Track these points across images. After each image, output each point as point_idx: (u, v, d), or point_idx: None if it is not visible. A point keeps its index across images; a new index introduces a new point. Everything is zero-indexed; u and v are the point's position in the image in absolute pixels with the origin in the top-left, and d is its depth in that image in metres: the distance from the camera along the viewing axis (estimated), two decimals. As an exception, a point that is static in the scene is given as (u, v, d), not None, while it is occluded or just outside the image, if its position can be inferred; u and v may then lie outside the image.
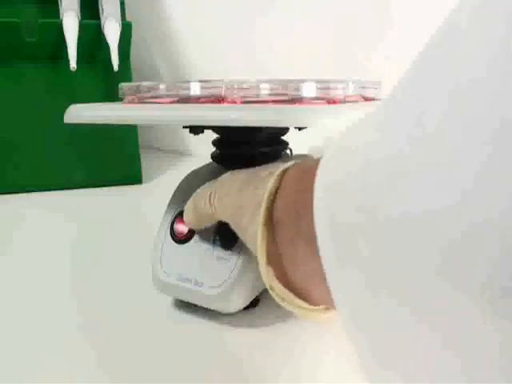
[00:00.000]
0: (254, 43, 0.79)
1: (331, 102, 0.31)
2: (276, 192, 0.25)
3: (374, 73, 0.71)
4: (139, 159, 0.75)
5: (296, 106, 0.30)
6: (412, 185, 0.14)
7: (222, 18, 0.82)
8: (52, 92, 0.69)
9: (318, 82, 0.31)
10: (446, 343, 0.13)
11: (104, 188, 0.71)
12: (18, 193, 0.68)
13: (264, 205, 0.25)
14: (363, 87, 0.38)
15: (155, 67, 0.95)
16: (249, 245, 0.28)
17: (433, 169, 0.13)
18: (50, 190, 0.69)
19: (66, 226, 0.57)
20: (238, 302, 0.35)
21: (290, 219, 0.23)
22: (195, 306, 0.36)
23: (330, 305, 0.25)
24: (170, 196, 0.39)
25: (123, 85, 0.38)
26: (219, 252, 0.35)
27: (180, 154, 0.92)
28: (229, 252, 0.35)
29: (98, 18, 0.69)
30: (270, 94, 0.31)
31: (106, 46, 0.67)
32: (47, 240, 0.52)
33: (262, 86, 0.32)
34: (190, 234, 0.36)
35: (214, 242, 0.35)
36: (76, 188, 0.70)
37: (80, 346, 0.34)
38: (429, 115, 0.14)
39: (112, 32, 0.67)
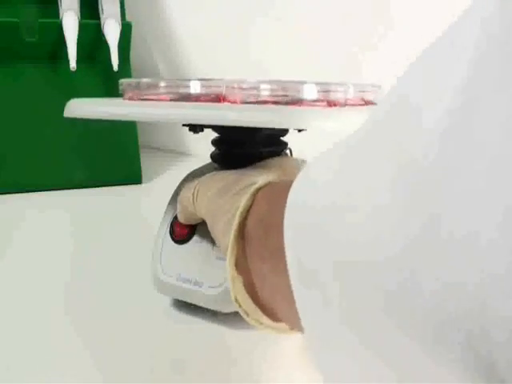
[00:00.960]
0: (254, 44, 0.79)
1: (332, 104, 0.31)
2: (249, 208, 0.27)
3: (374, 74, 0.71)
4: (139, 159, 0.75)
5: (296, 108, 0.30)
6: (361, 235, 0.15)
7: (222, 18, 0.82)
8: (52, 92, 0.69)
9: (318, 84, 0.31)
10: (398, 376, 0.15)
11: (104, 188, 0.71)
12: (18, 193, 0.68)
13: (237, 220, 0.26)
14: (363, 90, 0.38)
15: (155, 67, 0.95)
16: (222, 252, 0.29)
17: (377, 226, 0.14)
18: (50, 189, 0.69)
19: (65, 226, 0.57)
20: (238, 302, 0.35)
21: (259, 236, 0.25)
22: (195, 306, 0.36)
23: (292, 324, 0.25)
24: (170, 196, 0.39)
25: (123, 81, 0.37)
26: (219, 252, 0.35)
27: (180, 154, 0.92)
28: (228, 252, 0.35)
29: (98, 18, 0.69)
30: (270, 95, 0.31)
31: (105, 46, 0.67)
32: (47, 240, 0.52)
33: (263, 86, 0.31)
34: (190, 234, 0.36)
35: (213, 242, 0.35)
36: (76, 188, 0.70)
37: (79, 346, 0.34)
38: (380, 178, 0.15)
39: (112, 32, 0.67)
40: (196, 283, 0.35)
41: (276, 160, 0.34)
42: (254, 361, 0.33)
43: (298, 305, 0.19)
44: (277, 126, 0.29)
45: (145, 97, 0.36)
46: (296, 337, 0.35)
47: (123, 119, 0.35)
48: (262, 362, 0.33)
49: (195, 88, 0.35)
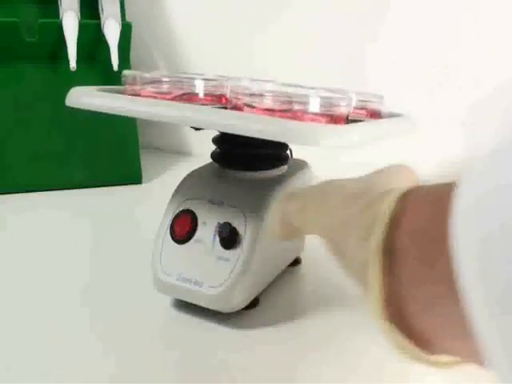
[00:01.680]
0: (254, 43, 0.79)
1: (335, 118, 0.31)
2: (395, 217, 0.22)
3: (374, 74, 0.71)
4: (139, 159, 0.75)
5: (298, 123, 0.29)
6: None
7: (221, 18, 0.82)
8: (52, 92, 0.69)
9: (322, 98, 0.30)
10: None
11: (104, 188, 0.71)
12: (17, 193, 0.68)
13: (381, 230, 0.21)
14: (366, 100, 0.38)
15: (155, 67, 0.95)
16: (351, 272, 0.24)
17: None
18: (49, 189, 0.69)
19: (65, 226, 0.57)
20: (238, 302, 0.35)
21: (421, 252, 0.20)
22: (195, 305, 0.36)
23: (466, 358, 0.21)
24: (170, 196, 0.39)
25: (126, 72, 0.37)
26: (219, 252, 0.35)
27: (180, 154, 0.92)
28: (229, 252, 0.35)
29: (98, 18, 0.69)
30: (273, 104, 0.31)
31: (105, 46, 0.67)
32: (47, 240, 0.52)
33: (267, 94, 0.31)
34: (190, 233, 0.36)
35: (213, 242, 0.35)
36: (76, 188, 0.70)
37: (79, 346, 0.34)
38: None
39: (112, 32, 0.67)
40: (196, 283, 0.35)
41: (390, 168, 0.29)
42: (254, 361, 0.33)
43: (484, 337, 0.15)
44: (277, 139, 0.28)
45: (147, 92, 0.35)
46: (296, 337, 0.35)
47: (123, 114, 0.34)
48: (262, 362, 0.33)
49: (199, 87, 0.35)
